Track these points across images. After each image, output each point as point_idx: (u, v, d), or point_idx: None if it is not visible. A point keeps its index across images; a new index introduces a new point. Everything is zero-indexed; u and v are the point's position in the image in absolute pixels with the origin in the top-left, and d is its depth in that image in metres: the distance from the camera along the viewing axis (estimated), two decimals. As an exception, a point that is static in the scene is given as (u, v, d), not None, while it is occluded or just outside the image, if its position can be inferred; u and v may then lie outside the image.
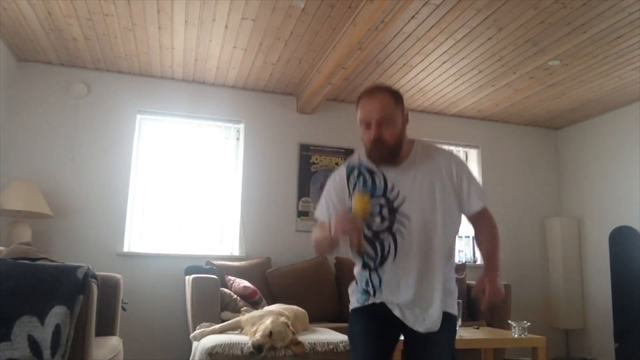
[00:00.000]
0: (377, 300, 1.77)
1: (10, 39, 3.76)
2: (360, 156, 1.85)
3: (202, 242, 4.37)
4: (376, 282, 1.76)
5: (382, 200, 1.76)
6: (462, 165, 1.83)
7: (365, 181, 1.80)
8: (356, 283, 1.88)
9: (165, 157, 4.44)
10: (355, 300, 1.85)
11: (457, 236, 1.85)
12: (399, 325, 1.76)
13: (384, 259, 1.75)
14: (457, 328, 2.11)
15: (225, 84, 4.56)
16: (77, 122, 4.18)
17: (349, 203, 1.79)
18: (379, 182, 1.78)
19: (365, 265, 1.80)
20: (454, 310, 1.79)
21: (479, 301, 1.76)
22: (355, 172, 1.83)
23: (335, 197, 1.83)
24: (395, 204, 1.75)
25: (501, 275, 1.80)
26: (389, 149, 1.74)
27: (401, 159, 1.79)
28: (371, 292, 1.78)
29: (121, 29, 3.57)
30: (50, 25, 3.54)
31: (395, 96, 1.77)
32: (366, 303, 1.78)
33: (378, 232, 1.76)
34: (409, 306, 1.73)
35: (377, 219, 1.75)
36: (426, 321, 1.72)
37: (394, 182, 1.77)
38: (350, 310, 1.86)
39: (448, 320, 1.75)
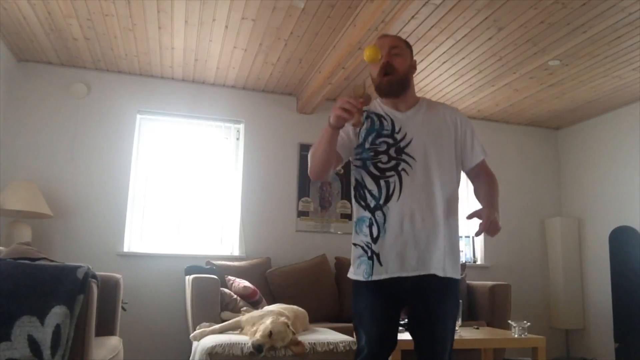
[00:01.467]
0: (381, 276, 1.75)
1: (10, 39, 3.76)
2: (371, 106, 1.90)
3: (202, 242, 4.37)
4: (381, 220, 1.77)
5: (390, 140, 1.81)
6: (466, 120, 1.94)
7: (373, 122, 1.85)
8: (357, 231, 1.85)
9: (165, 157, 4.44)
10: (358, 269, 1.81)
11: (458, 190, 1.88)
12: (403, 299, 1.78)
13: (388, 197, 1.77)
14: (459, 300, 2.08)
15: (225, 84, 4.56)
16: (77, 122, 4.18)
17: (353, 138, 1.85)
18: (387, 124, 1.83)
19: (367, 207, 1.80)
20: (457, 274, 1.79)
21: (477, 227, 1.76)
22: (364, 116, 1.86)
23: (344, 133, 1.84)
24: (402, 144, 1.80)
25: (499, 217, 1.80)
26: (398, 77, 1.82)
27: (408, 105, 1.87)
28: (375, 233, 1.77)
29: (121, 29, 3.57)
30: (50, 25, 3.54)
31: (406, 41, 1.92)
32: (370, 278, 1.76)
33: (384, 170, 1.79)
34: (413, 246, 1.74)
35: (385, 158, 1.79)
36: (432, 260, 1.73)
37: (401, 125, 1.83)
38: (353, 281, 1.84)
39: (451, 287, 1.78)
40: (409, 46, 1.91)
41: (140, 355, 3.88)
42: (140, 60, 4.11)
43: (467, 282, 4.39)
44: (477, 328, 3.45)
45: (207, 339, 2.75)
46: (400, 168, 1.77)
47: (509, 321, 3.30)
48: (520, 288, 4.88)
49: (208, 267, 3.78)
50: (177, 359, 3.93)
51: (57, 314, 1.79)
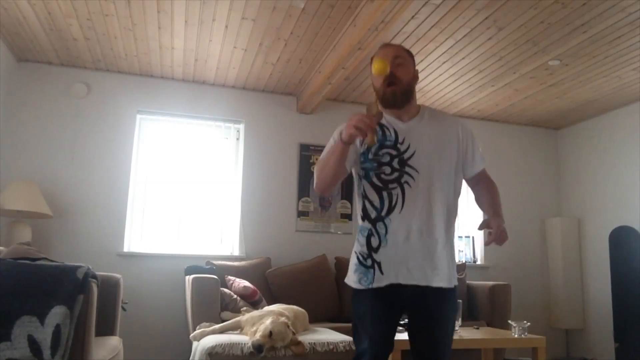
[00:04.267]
0: (382, 283, 1.75)
1: (10, 39, 3.76)
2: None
3: (202, 242, 4.37)
4: (382, 231, 1.76)
5: (393, 152, 1.80)
6: (467, 128, 1.92)
7: (376, 132, 1.81)
8: (358, 240, 1.85)
9: (165, 157, 4.44)
10: (356, 278, 1.80)
11: (458, 201, 1.89)
12: (404, 306, 1.79)
13: (391, 209, 1.77)
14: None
15: (225, 84, 4.56)
16: (77, 122, 4.18)
17: (358, 149, 1.83)
18: (390, 134, 1.82)
19: (368, 218, 1.80)
20: (456, 280, 1.82)
21: (485, 236, 1.80)
22: (377, 134, 1.84)
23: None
24: (406, 155, 1.79)
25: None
26: (402, 88, 1.81)
27: (410, 115, 1.86)
28: (374, 243, 1.77)
29: (121, 29, 3.57)
30: (50, 25, 3.54)
31: (408, 50, 1.92)
32: (371, 286, 1.76)
33: (387, 182, 1.78)
34: (415, 257, 1.74)
35: (388, 169, 1.79)
36: (437, 273, 1.74)
37: (404, 136, 1.82)
38: (352, 289, 1.84)
39: (450, 292, 1.79)
40: (411, 55, 1.91)
41: (140, 355, 3.88)
42: (140, 60, 4.11)
43: (467, 282, 4.39)
44: (477, 328, 3.45)
45: (207, 339, 2.75)
46: (403, 180, 1.77)
47: (509, 321, 3.30)
48: (520, 288, 4.88)
49: (208, 267, 3.78)
50: (177, 359, 3.93)
51: (57, 314, 1.79)
